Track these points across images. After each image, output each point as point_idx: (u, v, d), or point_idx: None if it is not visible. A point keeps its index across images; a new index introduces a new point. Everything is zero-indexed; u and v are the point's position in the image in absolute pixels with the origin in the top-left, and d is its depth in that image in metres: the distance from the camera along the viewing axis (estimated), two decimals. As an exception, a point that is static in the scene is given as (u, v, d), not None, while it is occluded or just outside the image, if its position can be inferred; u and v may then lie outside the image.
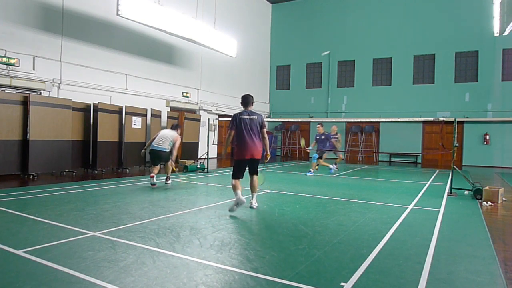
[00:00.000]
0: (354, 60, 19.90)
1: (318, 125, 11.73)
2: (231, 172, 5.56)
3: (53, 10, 10.48)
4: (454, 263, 3.41)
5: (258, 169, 5.66)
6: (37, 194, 6.48)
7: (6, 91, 9.08)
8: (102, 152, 10.19)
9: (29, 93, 9.03)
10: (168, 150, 8.11)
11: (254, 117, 5.54)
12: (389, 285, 2.84)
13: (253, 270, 3.06)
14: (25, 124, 8.52)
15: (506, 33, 10.68)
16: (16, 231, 4.08)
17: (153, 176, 7.70)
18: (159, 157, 8.02)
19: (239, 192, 5.29)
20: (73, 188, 7.27)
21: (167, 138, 8.11)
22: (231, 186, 5.51)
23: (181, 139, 8.73)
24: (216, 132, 17.05)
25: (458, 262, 3.42)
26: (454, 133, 7.78)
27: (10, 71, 9.29)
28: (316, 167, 11.49)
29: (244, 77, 20.01)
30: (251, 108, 5.68)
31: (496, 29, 12.23)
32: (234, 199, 5.28)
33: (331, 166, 11.77)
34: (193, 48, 15.50)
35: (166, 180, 8.42)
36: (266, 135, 5.65)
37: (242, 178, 5.49)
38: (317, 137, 11.55)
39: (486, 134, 16.65)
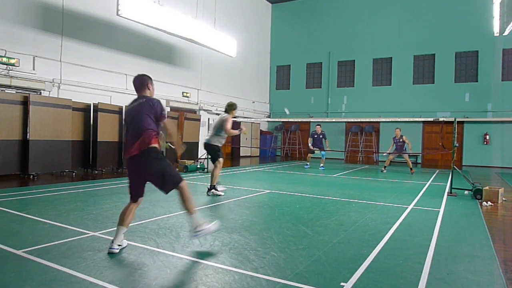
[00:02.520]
0: (354, 60, 19.89)
1: (317, 126, 13.49)
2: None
3: (53, 10, 10.48)
4: (454, 263, 3.41)
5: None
6: (37, 194, 6.48)
7: (6, 91, 9.08)
8: (102, 152, 10.19)
9: (29, 93, 9.03)
10: (213, 143, 6.74)
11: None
12: (389, 285, 2.84)
13: (253, 270, 3.06)
14: (25, 124, 8.52)
15: (506, 33, 10.68)
16: (16, 231, 4.08)
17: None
18: (208, 152, 6.94)
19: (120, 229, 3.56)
20: (73, 188, 7.26)
21: (213, 125, 6.90)
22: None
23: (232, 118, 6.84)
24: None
25: (458, 262, 3.42)
26: (454, 133, 7.78)
27: (10, 71, 9.29)
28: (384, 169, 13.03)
29: (244, 77, 20.02)
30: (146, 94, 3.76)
31: (496, 29, 12.22)
32: None
33: (308, 163, 13.75)
34: (193, 48, 15.50)
35: (208, 190, 6.78)
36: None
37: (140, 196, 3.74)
38: (315, 136, 13.42)
39: (486, 134, 16.65)
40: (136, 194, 3.65)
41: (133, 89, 3.77)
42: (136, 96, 3.75)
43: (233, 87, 19.10)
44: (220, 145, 6.91)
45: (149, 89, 3.77)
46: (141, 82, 3.73)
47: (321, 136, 13.34)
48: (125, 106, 10.92)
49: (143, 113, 3.54)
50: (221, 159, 6.84)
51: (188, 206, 3.55)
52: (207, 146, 6.90)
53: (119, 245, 3.50)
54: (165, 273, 2.96)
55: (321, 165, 13.33)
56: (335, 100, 20.33)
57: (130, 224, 4.45)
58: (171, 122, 3.61)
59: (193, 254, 3.43)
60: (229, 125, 6.72)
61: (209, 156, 7.06)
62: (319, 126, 13.42)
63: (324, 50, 20.63)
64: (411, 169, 12.49)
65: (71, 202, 5.85)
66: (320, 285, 2.80)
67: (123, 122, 3.90)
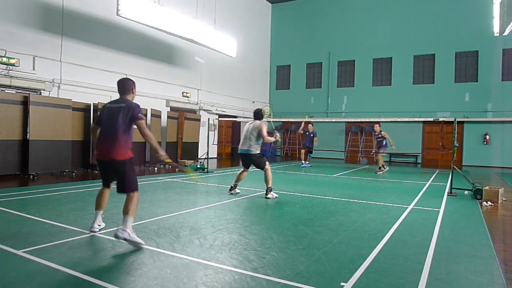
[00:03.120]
0: (354, 60, 19.89)
1: (309, 124, 14.28)
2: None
3: (53, 10, 10.48)
4: (454, 263, 3.41)
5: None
6: (37, 194, 6.48)
7: (6, 91, 9.08)
8: (102, 152, 10.17)
9: (29, 93, 9.03)
10: (255, 152, 6.69)
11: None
12: (389, 285, 2.84)
13: (253, 270, 3.06)
14: (25, 124, 8.52)
15: (506, 33, 10.68)
16: (16, 231, 4.08)
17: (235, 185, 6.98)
18: (251, 162, 6.79)
19: (98, 212, 4.13)
20: (73, 188, 7.27)
21: (247, 134, 6.73)
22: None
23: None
24: (216, 132, 17.06)
25: (458, 262, 3.42)
26: (454, 133, 7.78)
27: (10, 71, 9.29)
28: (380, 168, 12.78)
29: (244, 77, 20.02)
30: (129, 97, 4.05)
31: (496, 29, 12.22)
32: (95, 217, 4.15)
33: (303, 162, 14.12)
34: (193, 48, 15.50)
35: (266, 193, 6.74)
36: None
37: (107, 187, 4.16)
38: (307, 133, 14.18)
39: (486, 134, 16.65)
40: (108, 181, 4.10)
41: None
42: (118, 97, 4.03)
43: (233, 87, 19.10)
44: (259, 152, 6.80)
45: (132, 93, 4.05)
46: (128, 86, 4.01)
47: (311, 135, 14.13)
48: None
49: (120, 118, 3.74)
50: (267, 162, 6.81)
51: (131, 208, 3.72)
52: (249, 156, 6.71)
53: (98, 225, 4.14)
54: (165, 273, 2.96)
55: (307, 162, 14.44)
56: (335, 100, 20.32)
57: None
58: (146, 129, 3.80)
59: (193, 254, 3.43)
60: (265, 132, 6.66)
61: (243, 163, 6.96)
62: (311, 125, 14.24)
63: (324, 50, 20.63)
64: (379, 167, 12.29)
65: (71, 202, 5.85)
66: (320, 285, 2.80)
67: (98, 116, 4.05)
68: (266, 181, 6.72)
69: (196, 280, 2.83)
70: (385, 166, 12.80)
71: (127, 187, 3.79)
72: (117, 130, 3.71)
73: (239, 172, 7.04)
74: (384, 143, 12.41)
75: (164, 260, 3.25)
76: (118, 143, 3.70)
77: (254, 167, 6.87)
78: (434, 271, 3.17)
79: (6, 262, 3.13)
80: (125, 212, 3.69)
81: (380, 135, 12.43)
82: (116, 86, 4.17)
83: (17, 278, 2.79)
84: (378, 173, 12.11)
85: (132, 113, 3.75)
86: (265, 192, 6.75)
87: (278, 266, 3.17)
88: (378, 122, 13.39)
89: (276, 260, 3.33)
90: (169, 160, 3.88)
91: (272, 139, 6.84)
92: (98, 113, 4.13)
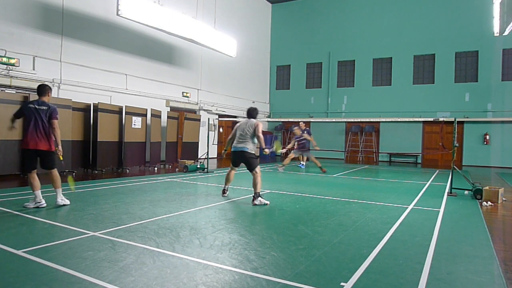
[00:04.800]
0: (354, 60, 19.89)
1: (300, 122, 13.57)
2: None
3: (53, 10, 10.48)
4: (454, 263, 3.41)
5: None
6: (37, 194, 6.46)
7: (6, 91, 9.08)
8: (102, 152, 10.18)
9: (29, 93, 9.03)
10: (251, 151, 6.29)
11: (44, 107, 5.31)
12: (389, 285, 2.84)
13: (253, 270, 3.06)
14: (25, 124, 8.51)
15: (506, 33, 10.68)
16: (16, 231, 4.08)
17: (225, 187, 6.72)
18: (244, 161, 6.35)
19: (36, 192, 5.38)
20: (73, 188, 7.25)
21: (243, 132, 6.33)
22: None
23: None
24: (216, 132, 17.06)
25: (458, 262, 3.42)
26: (454, 133, 7.77)
27: (10, 71, 9.29)
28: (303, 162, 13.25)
29: (244, 77, 20.02)
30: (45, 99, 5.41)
31: (496, 29, 12.22)
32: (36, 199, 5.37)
33: (302, 162, 13.80)
34: (193, 48, 15.50)
35: (254, 199, 6.14)
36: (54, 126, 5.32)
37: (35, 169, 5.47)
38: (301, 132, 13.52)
39: (486, 134, 16.65)
40: (32, 167, 5.34)
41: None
42: (37, 98, 5.33)
43: (233, 87, 19.10)
44: (254, 153, 6.36)
45: (48, 96, 5.42)
46: (46, 89, 5.38)
47: (305, 132, 13.63)
48: (126, 106, 10.98)
49: (46, 117, 5.22)
50: (258, 166, 6.33)
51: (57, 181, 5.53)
52: (244, 154, 6.26)
53: (39, 201, 5.34)
54: (165, 273, 2.96)
55: (302, 162, 14.04)
56: (335, 100, 20.32)
57: (130, 224, 4.48)
58: (58, 128, 5.30)
59: (193, 254, 3.43)
60: (261, 131, 6.31)
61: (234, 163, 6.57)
62: (302, 123, 13.72)
63: (324, 50, 20.63)
64: (320, 168, 12.04)
65: (71, 202, 5.85)
66: (320, 285, 2.80)
67: (25, 113, 5.29)
68: (254, 186, 6.15)
69: (196, 280, 2.83)
70: (284, 165, 12.42)
71: (48, 166, 5.47)
72: (47, 128, 5.25)
73: (227, 173, 6.66)
74: (307, 145, 12.50)
75: (164, 260, 3.25)
76: (51, 139, 5.33)
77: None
78: (434, 271, 3.17)
79: (6, 262, 3.13)
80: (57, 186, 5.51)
81: (302, 137, 12.49)
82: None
83: (17, 278, 2.79)
84: (323, 172, 11.95)
85: (50, 115, 5.22)
86: (252, 197, 6.16)
87: (278, 266, 3.17)
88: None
89: (276, 260, 3.33)
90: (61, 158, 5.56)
91: (266, 150, 6.30)
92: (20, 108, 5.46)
